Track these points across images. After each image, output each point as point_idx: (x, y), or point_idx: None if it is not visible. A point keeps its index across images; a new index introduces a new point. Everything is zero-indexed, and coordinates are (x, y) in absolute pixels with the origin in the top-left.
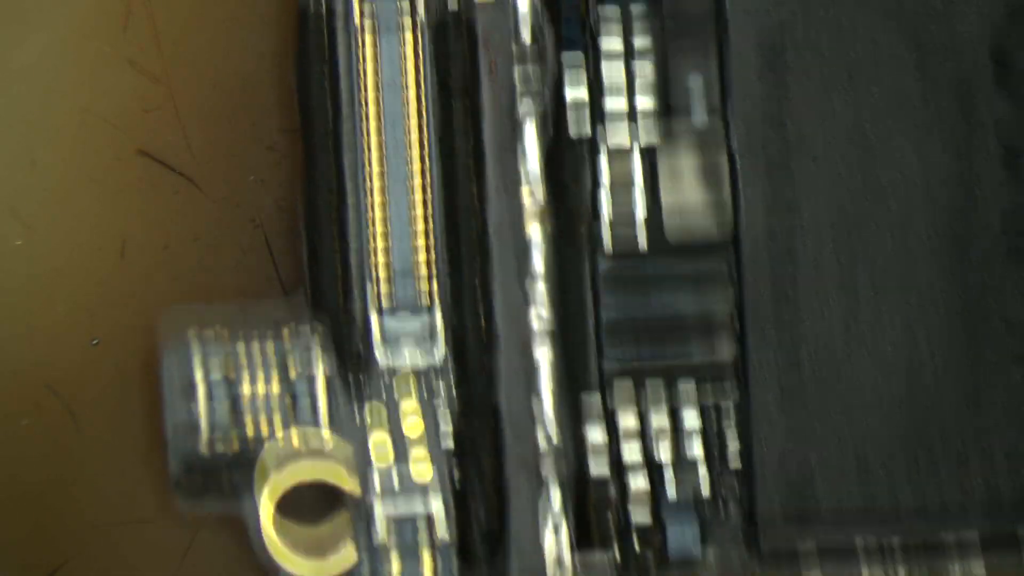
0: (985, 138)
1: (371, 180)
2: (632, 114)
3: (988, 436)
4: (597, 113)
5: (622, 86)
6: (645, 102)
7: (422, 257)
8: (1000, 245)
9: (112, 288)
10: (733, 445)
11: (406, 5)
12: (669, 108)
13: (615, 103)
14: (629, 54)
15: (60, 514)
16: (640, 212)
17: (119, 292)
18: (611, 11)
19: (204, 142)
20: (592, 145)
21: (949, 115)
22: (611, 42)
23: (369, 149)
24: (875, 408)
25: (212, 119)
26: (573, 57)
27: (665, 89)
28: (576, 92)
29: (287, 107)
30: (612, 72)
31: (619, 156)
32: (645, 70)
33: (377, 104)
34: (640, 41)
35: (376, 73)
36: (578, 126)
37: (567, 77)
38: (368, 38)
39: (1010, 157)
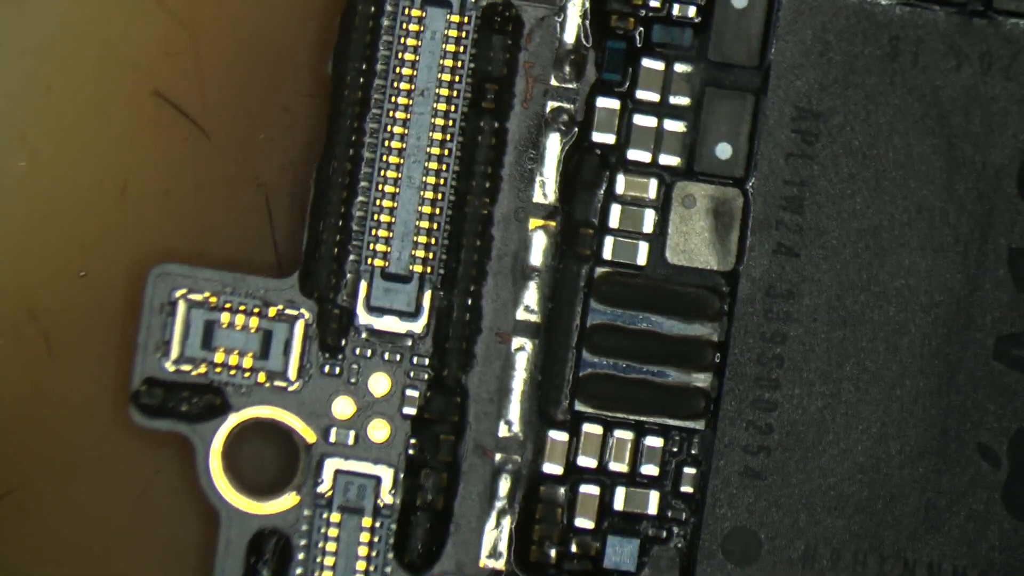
0: (996, 265)
1: (385, 175)
2: (654, 166)
3: (939, 553)
4: (621, 159)
5: (650, 139)
6: (670, 160)
7: (424, 225)
8: (989, 372)
9: (107, 224)
10: (689, 470)
11: (453, 27)
12: (692, 170)
13: (640, 155)
14: (664, 109)
15: (19, 439)
16: (646, 229)
17: (114, 229)
18: (655, 64)
19: (220, 93)
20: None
21: (966, 236)
22: (648, 94)
23: (389, 147)
24: (834, 504)
25: (231, 72)
26: (608, 103)
27: (692, 151)
28: (604, 137)
29: (307, 71)
30: (643, 123)
31: (637, 171)
32: (676, 127)
33: (407, 110)
34: (677, 99)
35: (411, 80)
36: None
37: (597, 120)
38: (411, 42)
39: (1018, 288)
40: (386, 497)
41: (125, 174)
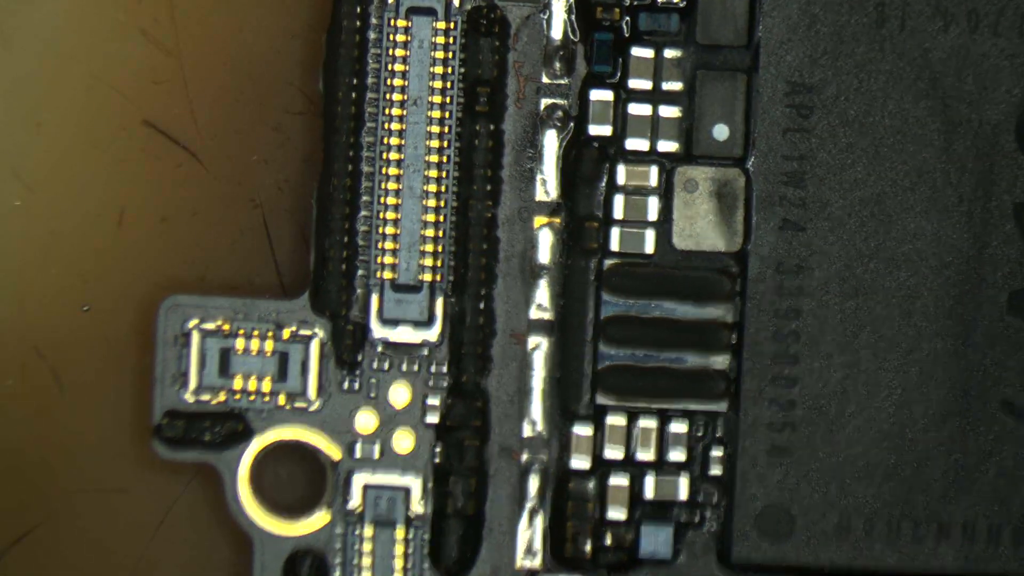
0: (1002, 220)
1: (386, 187)
2: (653, 154)
3: (972, 512)
4: (619, 150)
5: (647, 127)
6: (668, 146)
7: (430, 233)
8: (1005, 328)
9: (107, 256)
10: (716, 452)
11: (440, 34)
12: (691, 154)
13: (638, 144)
14: (657, 96)
15: (36, 477)
16: (651, 217)
17: (114, 260)
18: (644, 52)
19: (210, 118)
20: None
21: (969, 195)
22: (640, 83)
23: (388, 160)
24: (862, 473)
25: (220, 95)
26: (601, 95)
27: (689, 135)
28: (600, 129)
29: (295, 89)
30: (638, 112)
31: (637, 161)
32: (671, 113)
33: (402, 120)
34: (669, 85)
35: (403, 90)
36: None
37: (592, 112)
38: (399, 52)
39: None
40: (417, 507)
41: (121, 204)
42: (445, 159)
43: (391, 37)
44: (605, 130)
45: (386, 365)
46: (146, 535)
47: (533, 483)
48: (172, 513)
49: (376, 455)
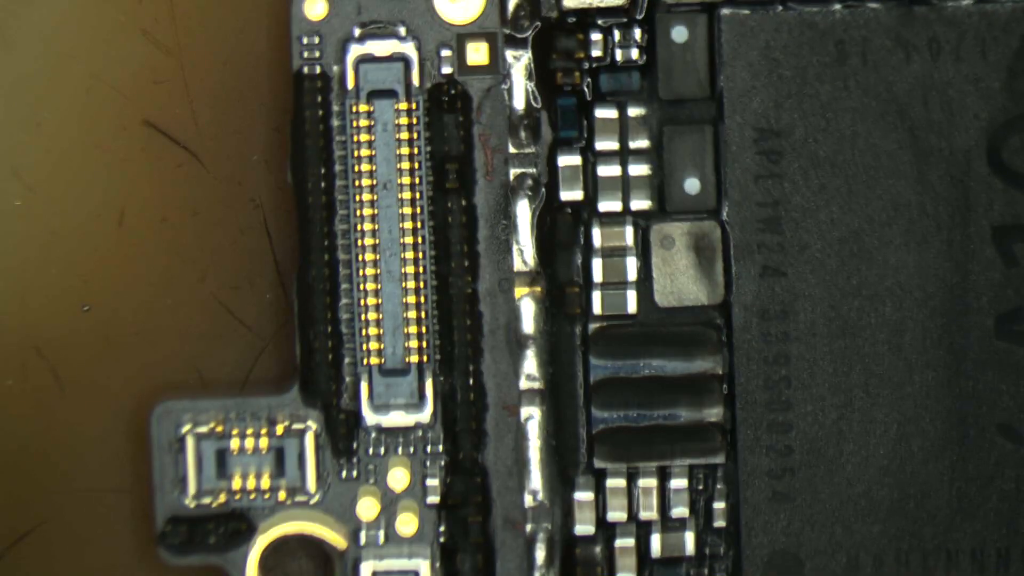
0: (982, 246)
1: (364, 272)
2: (627, 214)
3: (979, 538)
4: (593, 212)
5: (618, 186)
6: (641, 204)
7: (412, 315)
8: (995, 352)
9: (107, 256)
10: (719, 504)
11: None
12: (664, 210)
13: (610, 205)
14: (625, 155)
15: (36, 477)
16: (631, 277)
17: (114, 260)
18: (608, 112)
19: (211, 118)
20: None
21: (947, 223)
22: (607, 143)
23: (363, 246)
24: (866, 511)
25: (221, 96)
26: (569, 159)
27: (661, 191)
28: (571, 194)
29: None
30: (608, 173)
31: (611, 222)
32: (641, 171)
33: (373, 205)
34: (636, 143)
35: (372, 175)
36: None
37: (562, 177)
38: (364, 137)
39: (1007, 265)
40: None
41: (121, 204)
42: (420, 239)
43: (354, 123)
44: (577, 194)
45: (382, 450)
46: (146, 535)
47: (540, 553)
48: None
49: (381, 540)
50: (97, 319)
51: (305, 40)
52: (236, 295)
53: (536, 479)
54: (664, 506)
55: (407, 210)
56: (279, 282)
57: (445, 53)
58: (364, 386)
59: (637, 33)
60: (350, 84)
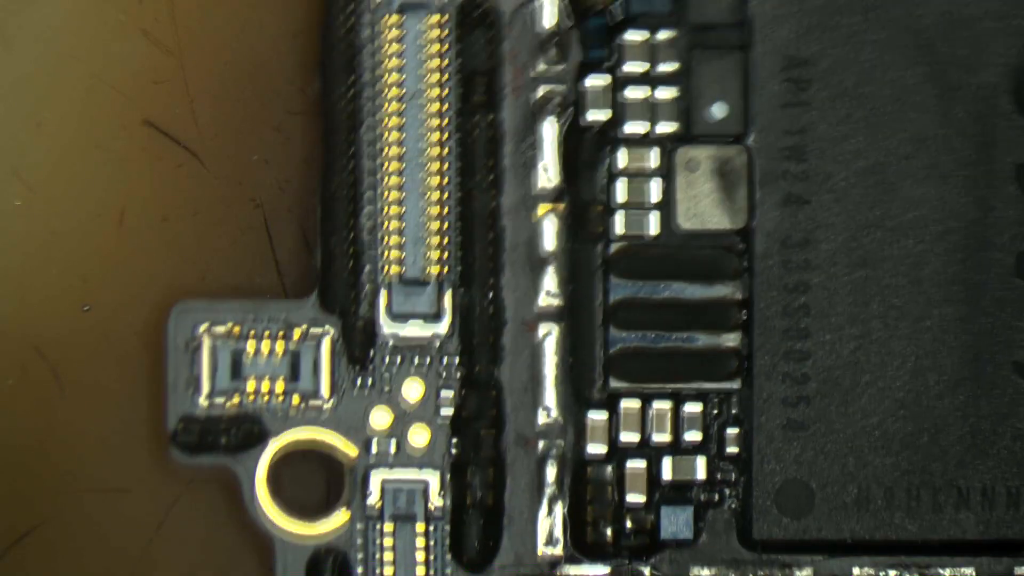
0: (1004, 183)
1: (388, 183)
2: (652, 136)
3: (991, 477)
4: (618, 134)
5: (645, 109)
6: (667, 127)
7: (434, 227)
8: (1014, 290)
9: (108, 256)
10: (732, 431)
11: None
12: (690, 134)
13: (636, 127)
14: (653, 78)
15: (37, 477)
16: (653, 199)
17: (114, 260)
18: (637, 35)
19: (211, 118)
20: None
21: (969, 158)
22: (635, 66)
23: (388, 156)
24: (879, 443)
25: (221, 95)
26: (597, 80)
27: (687, 115)
28: (598, 115)
29: (295, 89)
30: (635, 95)
31: (636, 144)
32: (668, 94)
33: (400, 115)
34: (665, 67)
35: (399, 86)
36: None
37: (589, 99)
38: (394, 48)
39: None
40: (436, 501)
41: (122, 204)
42: (446, 152)
43: (385, 34)
44: (603, 115)
45: (398, 360)
46: (147, 534)
47: (551, 471)
48: (173, 512)
49: (392, 451)
50: (97, 319)
51: None
52: (236, 295)
53: (550, 397)
54: (677, 430)
55: (434, 122)
56: (279, 282)
57: None
58: (383, 295)
59: None
60: None
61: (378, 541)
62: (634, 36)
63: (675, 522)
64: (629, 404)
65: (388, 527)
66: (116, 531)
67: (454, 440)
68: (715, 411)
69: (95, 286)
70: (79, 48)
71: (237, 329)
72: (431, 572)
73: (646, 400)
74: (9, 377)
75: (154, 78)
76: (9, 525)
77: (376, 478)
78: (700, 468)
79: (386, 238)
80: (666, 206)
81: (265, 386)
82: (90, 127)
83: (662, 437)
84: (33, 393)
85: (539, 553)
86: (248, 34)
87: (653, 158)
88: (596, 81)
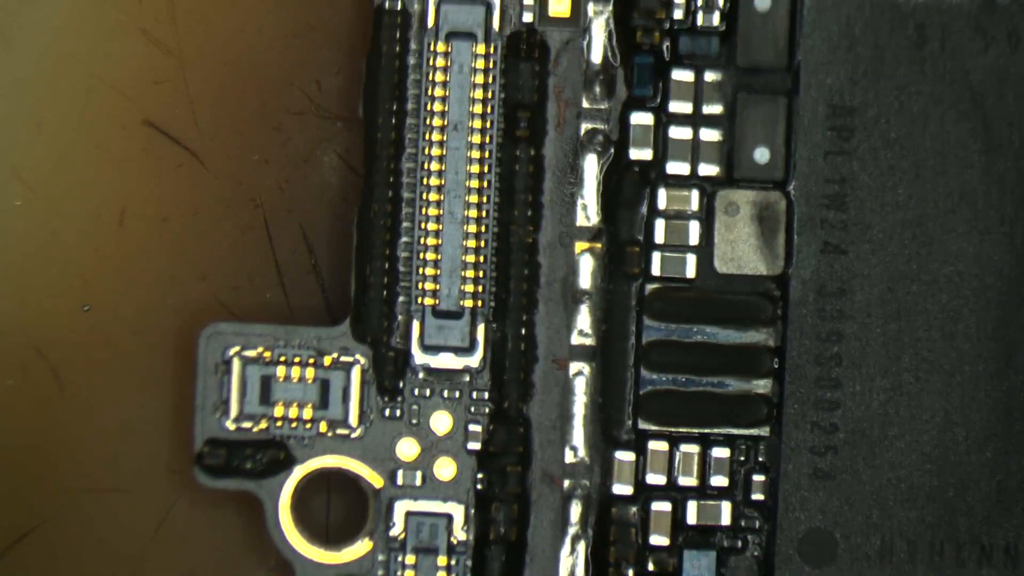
0: None
1: (427, 212)
2: (694, 177)
3: (1015, 534)
4: (660, 174)
5: (688, 150)
6: (709, 169)
7: (471, 259)
8: None
9: (108, 256)
10: (759, 477)
11: (480, 59)
12: (732, 178)
13: (678, 167)
14: (698, 119)
15: (37, 477)
16: (692, 241)
17: (114, 260)
18: (684, 75)
19: (211, 118)
20: (652, 171)
21: (1010, 216)
22: (680, 106)
23: (428, 185)
24: (905, 496)
25: (221, 96)
26: (641, 118)
27: (730, 158)
28: (640, 154)
29: (295, 89)
30: (679, 136)
31: (678, 185)
32: (712, 136)
33: (442, 146)
34: (710, 108)
35: (443, 115)
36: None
37: (633, 136)
38: (439, 77)
39: None
40: (459, 534)
41: (122, 204)
42: (486, 184)
43: (431, 62)
44: (646, 154)
45: (428, 392)
46: (147, 534)
47: (575, 509)
48: (173, 512)
49: (418, 482)
50: (97, 319)
51: None
52: (236, 295)
53: (579, 435)
54: (704, 474)
55: (475, 154)
56: (279, 282)
57: (527, 1)
58: (416, 326)
59: None
60: (430, 23)
61: (399, 572)
62: (681, 76)
63: (697, 566)
64: (657, 446)
65: (410, 559)
66: (115, 531)
67: (480, 474)
68: (742, 457)
69: (95, 286)
70: (79, 48)
71: (268, 354)
72: None
73: (674, 443)
74: (9, 377)
75: (154, 78)
76: (9, 525)
77: (400, 509)
78: (725, 513)
79: (421, 268)
80: (704, 248)
81: (293, 412)
82: (90, 127)
83: (688, 480)
84: (33, 393)
85: None
86: (248, 34)
87: (694, 200)
88: (640, 119)
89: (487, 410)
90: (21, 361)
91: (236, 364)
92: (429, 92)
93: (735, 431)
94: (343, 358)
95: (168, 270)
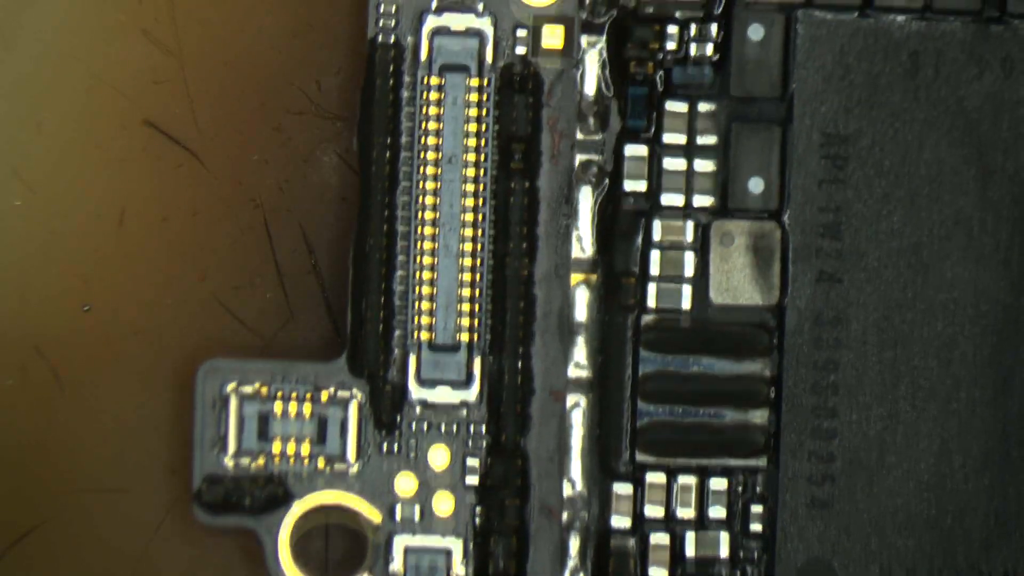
0: None
1: (422, 247)
2: (689, 208)
3: (1013, 561)
4: (655, 205)
5: (682, 181)
6: (703, 200)
7: (466, 293)
8: None
9: (108, 256)
10: (757, 508)
11: (473, 91)
12: (726, 208)
13: (673, 199)
14: (692, 150)
15: (37, 477)
16: (688, 272)
17: (114, 260)
18: (678, 106)
19: (211, 118)
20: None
21: (1006, 243)
22: (674, 137)
23: (423, 219)
24: (903, 524)
25: (221, 96)
26: (635, 150)
27: (724, 189)
28: (635, 185)
29: (295, 89)
30: (673, 167)
31: (672, 216)
32: (706, 167)
33: (436, 179)
34: (703, 139)
35: (437, 148)
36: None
37: (627, 168)
38: (433, 110)
39: None
40: (458, 568)
41: (122, 204)
42: (481, 217)
43: (424, 95)
44: (640, 185)
45: (425, 426)
46: (147, 534)
47: (574, 542)
48: (173, 512)
49: (416, 517)
50: (97, 319)
51: (382, 8)
52: (236, 295)
53: (576, 468)
54: (702, 506)
55: (470, 187)
56: (279, 282)
57: (521, 33)
58: (412, 360)
59: (713, 29)
60: (423, 56)
61: None
62: (674, 107)
63: None
64: (655, 478)
65: None
66: (115, 531)
67: (478, 508)
68: (740, 488)
69: (95, 286)
70: (79, 48)
71: (265, 390)
72: None
73: (672, 474)
74: (9, 377)
75: (154, 78)
76: (9, 525)
77: (399, 543)
78: (723, 545)
79: (417, 302)
80: (700, 280)
81: (291, 448)
82: (90, 127)
83: (687, 512)
84: (33, 393)
85: None
86: (248, 34)
87: (688, 231)
88: (634, 151)
89: (484, 444)
90: (21, 361)
91: (233, 401)
92: (423, 125)
93: (733, 462)
94: (340, 393)
95: (168, 270)
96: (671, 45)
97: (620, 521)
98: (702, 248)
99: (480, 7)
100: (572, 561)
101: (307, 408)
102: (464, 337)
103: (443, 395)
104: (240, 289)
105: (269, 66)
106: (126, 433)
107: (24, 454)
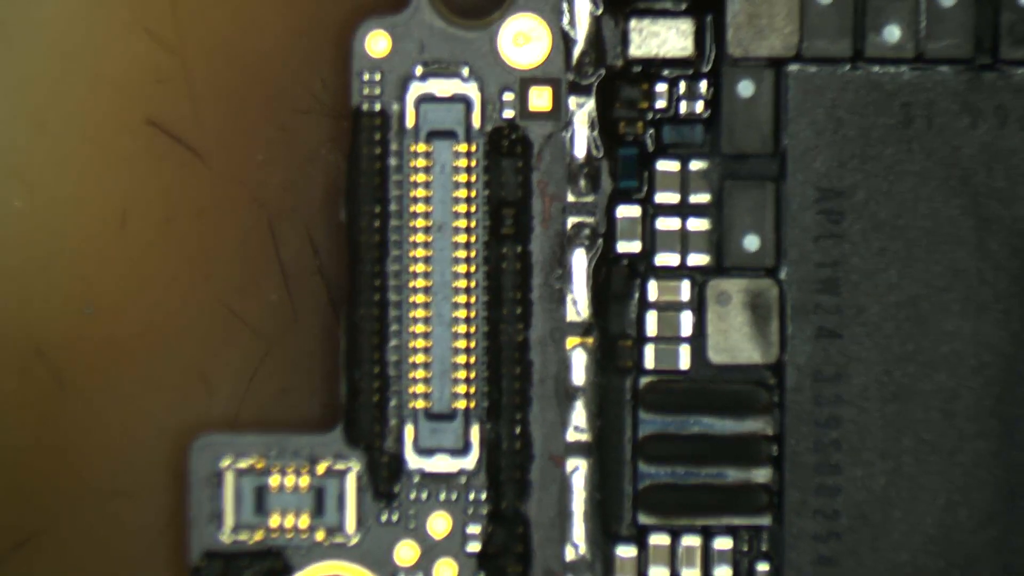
0: None
1: (415, 315)
2: (684, 268)
3: None
4: (649, 266)
5: (676, 240)
6: (698, 259)
7: (461, 360)
8: None
9: (110, 257)
10: (762, 567)
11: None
12: (722, 266)
13: (668, 259)
14: (685, 209)
15: (39, 481)
16: (684, 332)
17: (117, 262)
18: (669, 165)
19: (214, 117)
20: (641, 263)
21: (1005, 293)
22: (667, 196)
23: (415, 287)
24: None
25: (224, 95)
26: (628, 210)
27: (719, 247)
28: (628, 246)
29: (300, 87)
30: (666, 226)
31: (668, 276)
32: (700, 226)
33: (427, 247)
34: (696, 197)
35: (427, 216)
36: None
37: (620, 229)
38: (421, 178)
39: None
40: None
41: (124, 205)
42: (473, 284)
43: (412, 163)
44: (634, 246)
45: (424, 495)
46: (149, 538)
47: None
48: (174, 516)
49: None
50: (99, 321)
51: (366, 76)
52: (240, 296)
53: (578, 532)
54: (707, 566)
55: (461, 253)
56: (284, 283)
57: (507, 97)
58: (409, 429)
59: (703, 86)
60: (409, 123)
61: None
62: (666, 166)
63: None
64: (658, 539)
65: None
66: (117, 534)
67: (481, 575)
68: (745, 547)
69: (97, 287)
70: (81, 47)
71: (261, 463)
72: None
73: (675, 535)
74: (10, 379)
75: (157, 77)
76: (10, 529)
77: None
78: None
79: (412, 371)
80: (697, 339)
81: (289, 521)
82: (92, 127)
83: (692, 573)
84: (34, 395)
85: None
86: (251, 32)
87: (684, 291)
88: (627, 212)
89: (485, 511)
90: (22, 363)
91: (229, 476)
92: (411, 194)
93: (736, 521)
94: (337, 464)
95: (171, 271)
96: (660, 103)
97: None
98: (698, 308)
99: (465, 72)
100: None
101: (304, 481)
102: (460, 404)
103: (441, 463)
104: (244, 290)
105: (273, 64)
106: (128, 436)
107: (25, 456)
